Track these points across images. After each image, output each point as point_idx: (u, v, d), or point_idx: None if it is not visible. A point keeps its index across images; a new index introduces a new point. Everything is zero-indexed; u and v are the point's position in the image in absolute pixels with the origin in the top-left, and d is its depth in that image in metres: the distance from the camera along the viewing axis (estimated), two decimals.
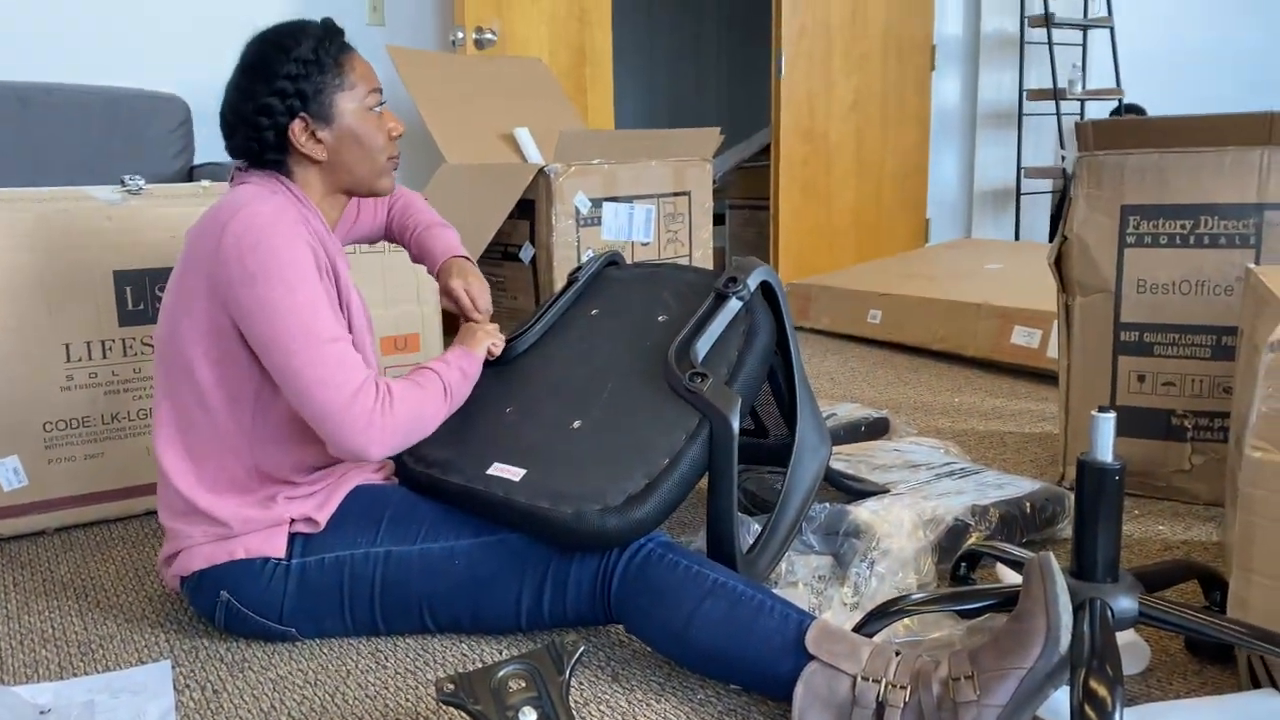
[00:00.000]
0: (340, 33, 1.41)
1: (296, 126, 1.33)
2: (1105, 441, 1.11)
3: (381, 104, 1.41)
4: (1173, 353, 1.79)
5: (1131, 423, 1.84)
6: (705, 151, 3.11)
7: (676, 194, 3.04)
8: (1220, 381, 1.76)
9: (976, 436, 2.34)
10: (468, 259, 1.58)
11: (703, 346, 1.38)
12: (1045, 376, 2.81)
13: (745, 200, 5.35)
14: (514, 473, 1.31)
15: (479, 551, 1.31)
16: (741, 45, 8.25)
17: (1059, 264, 1.90)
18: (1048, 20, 4.57)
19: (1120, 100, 4.89)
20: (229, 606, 1.35)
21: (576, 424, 1.36)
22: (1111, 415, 1.11)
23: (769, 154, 4.57)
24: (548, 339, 1.57)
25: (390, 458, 1.37)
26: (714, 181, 5.46)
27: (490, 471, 1.33)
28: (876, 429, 2.25)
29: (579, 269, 1.67)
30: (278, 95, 1.31)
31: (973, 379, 2.92)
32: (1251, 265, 1.56)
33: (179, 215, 1.90)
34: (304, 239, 1.28)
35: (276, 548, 1.33)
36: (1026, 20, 4.78)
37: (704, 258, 3.20)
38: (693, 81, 8.15)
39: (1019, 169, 4.95)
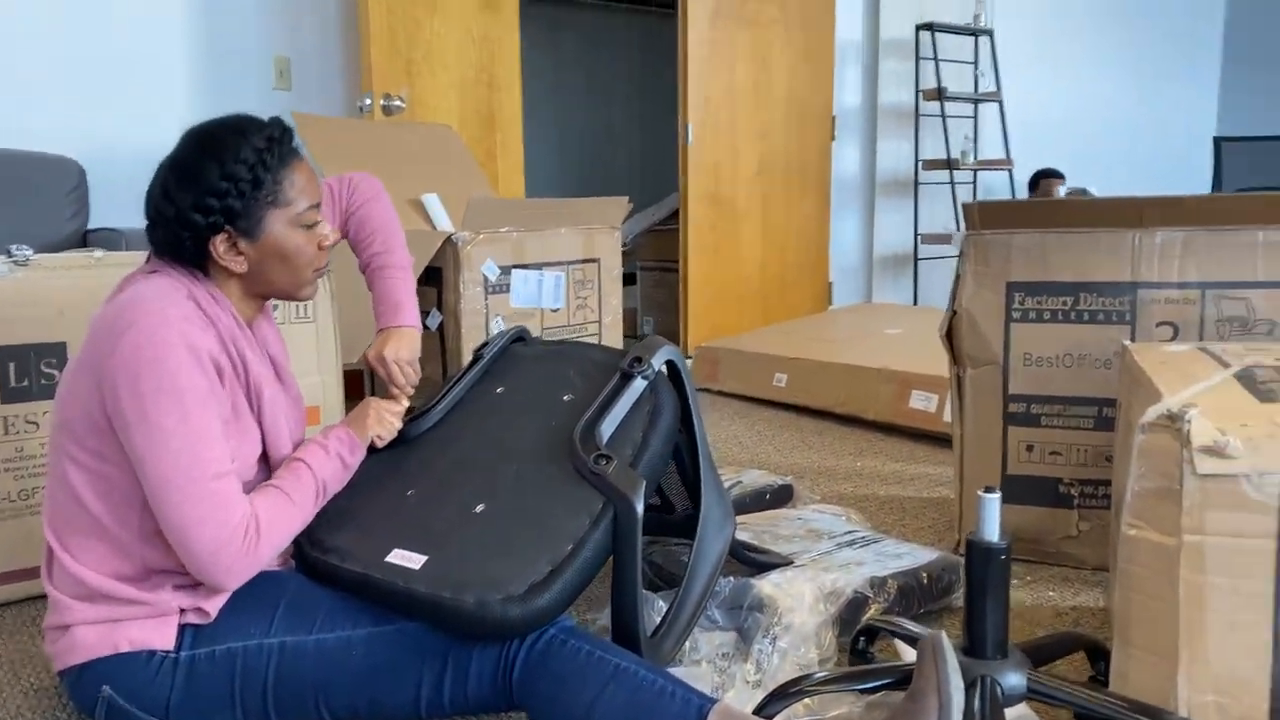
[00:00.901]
0: (288, 137, 1.34)
1: (218, 240, 1.29)
2: (992, 521, 1.15)
3: (318, 220, 1.38)
4: (1058, 423, 1.87)
5: (1022, 491, 1.91)
6: (614, 219, 3.16)
7: (586, 261, 3.07)
8: (1103, 451, 1.84)
9: (877, 502, 2.39)
10: (410, 326, 1.57)
11: (607, 428, 1.39)
12: (943, 440, 2.89)
13: (656, 262, 5.42)
14: (414, 560, 1.29)
15: (377, 641, 1.28)
16: (652, 110, 8.43)
17: (950, 337, 1.98)
18: (940, 94, 4.80)
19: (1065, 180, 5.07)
20: (111, 703, 1.29)
21: (480, 508, 1.35)
22: (997, 495, 1.15)
23: (679, 218, 4.66)
24: (452, 418, 1.56)
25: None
26: (625, 244, 5.54)
27: (389, 559, 1.31)
28: (781, 497, 2.28)
29: (484, 345, 1.67)
30: (201, 211, 1.27)
31: (874, 442, 2.99)
32: (1127, 342, 1.65)
33: (67, 287, 1.84)
34: (205, 356, 1.25)
35: (165, 639, 1.28)
36: (921, 94, 5.01)
37: (614, 323, 3.23)
38: (605, 146, 8.27)
39: (916, 235, 5.14)
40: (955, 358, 1.98)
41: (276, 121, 1.35)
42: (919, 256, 5.23)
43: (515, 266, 2.84)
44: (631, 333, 5.58)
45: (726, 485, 2.29)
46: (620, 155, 8.37)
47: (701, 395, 3.78)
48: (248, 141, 1.29)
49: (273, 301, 1.46)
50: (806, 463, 2.78)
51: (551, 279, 2.95)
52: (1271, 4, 6.47)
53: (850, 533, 1.92)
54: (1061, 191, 4.46)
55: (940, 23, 4.91)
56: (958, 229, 4.83)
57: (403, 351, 1.54)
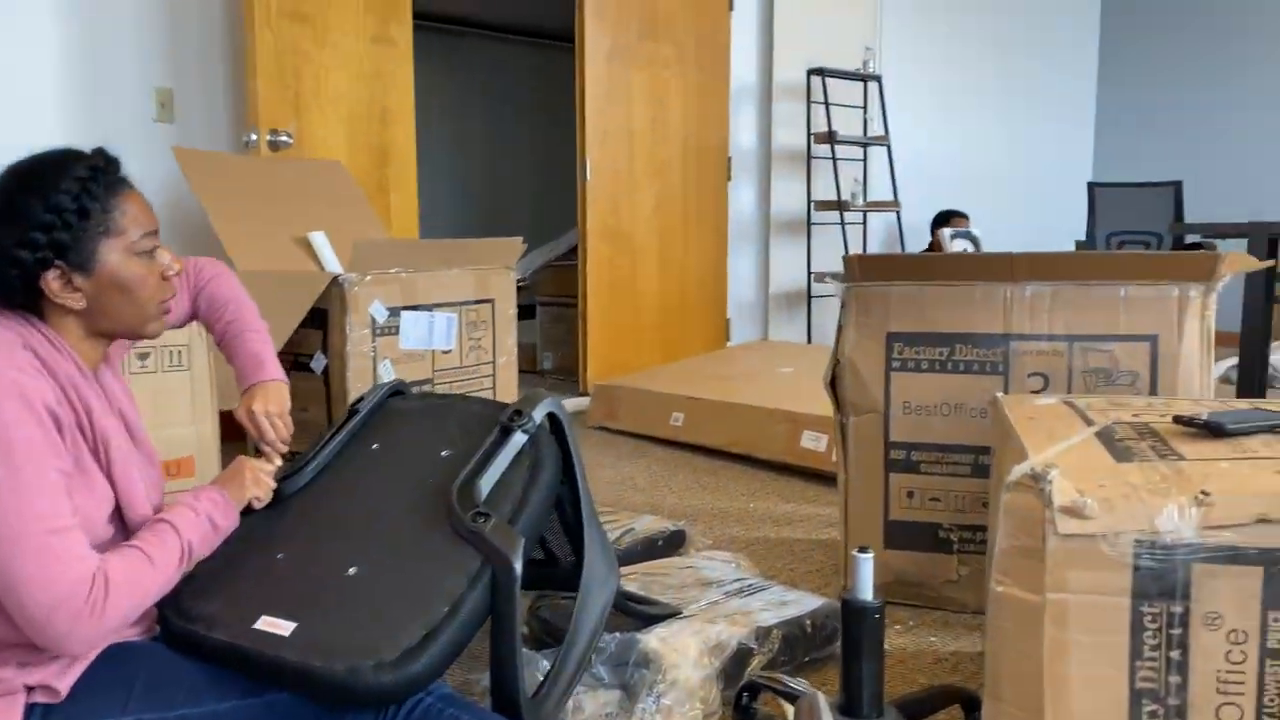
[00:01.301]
0: (114, 166, 1.29)
1: (50, 277, 1.23)
2: (865, 581, 1.17)
3: (155, 246, 1.33)
4: (937, 470, 1.92)
5: (904, 536, 1.95)
6: (508, 259, 3.14)
7: (479, 301, 3.04)
8: (980, 496, 1.89)
9: (767, 545, 2.41)
10: (277, 380, 1.52)
11: (486, 484, 1.36)
12: (833, 479, 2.92)
13: (555, 298, 5.41)
14: (284, 626, 1.24)
15: (244, 714, 1.22)
16: (554, 143, 8.44)
17: (834, 385, 2.01)
18: (831, 138, 4.92)
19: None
20: None
21: (352, 570, 1.31)
22: (870, 555, 1.17)
23: (578, 253, 4.66)
24: (325, 476, 1.51)
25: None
26: (524, 279, 5.52)
27: (258, 626, 1.25)
28: (673, 543, 2.28)
29: (360, 399, 1.62)
30: (28, 247, 1.20)
31: (767, 482, 3.02)
32: (998, 394, 1.70)
33: None
34: (40, 407, 1.18)
35: None
36: (812, 136, 5.13)
37: (509, 364, 3.20)
38: (507, 178, 8.25)
39: (809, 274, 5.25)
40: (839, 405, 2.01)
41: (100, 151, 1.30)
42: (812, 294, 5.34)
43: (405, 308, 2.79)
44: (531, 368, 5.55)
45: (619, 532, 2.28)
46: (522, 188, 8.36)
47: (599, 434, 3.77)
48: (69, 172, 1.23)
49: (126, 354, 1.40)
50: (701, 504, 2.79)
51: (443, 320, 2.90)
52: (1137, 61, 6.85)
53: (739, 580, 1.92)
54: (950, 244, 4.62)
55: (830, 68, 5.05)
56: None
57: (271, 405, 1.49)
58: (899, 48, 5.77)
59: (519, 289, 5.48)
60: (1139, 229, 4.99)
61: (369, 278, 2.69)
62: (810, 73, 5.09)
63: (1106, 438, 1.28)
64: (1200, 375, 1.77)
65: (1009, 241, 6.03)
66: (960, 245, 4.80)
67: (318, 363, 2.73)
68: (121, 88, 3.31)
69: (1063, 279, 1.84)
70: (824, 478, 2.99)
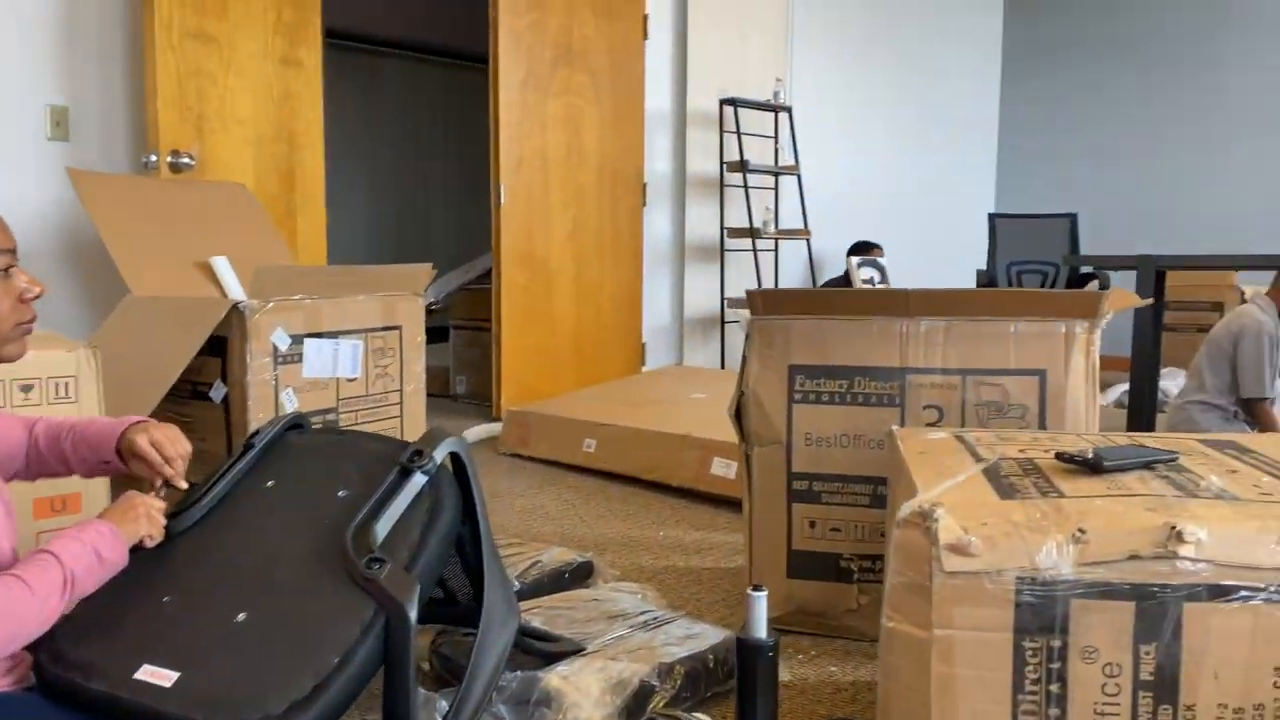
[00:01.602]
0: None
1: None
2: (759, 619, 1.18)
3: (11, 266, 1.29)
4: (838, 500, 1.95)
5: (806, 566, 1.98)
6: (417, 286, 3.10)
7: (386, 329, 2.99)
8: (879, 527, 1.93)
9: (676, 574, 2.42)
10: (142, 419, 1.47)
11: (382, 528, 1.34)
12: (741, 506, 2.98)
13: (469, 321, 5.37)
14: (166, 676, 1.20)
15: None
16: (472, 164, 8.39)
17: (738, 416, 2.03)
18: (743, 166, 5.00)
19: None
20: None
21: (241, 617, 1.27)
22: (763, 594, 1.18)
23: (492, 277, 4.64)
24: (217, 514, 1.46)
25: (29, 649, 1.22)
26: (437, 302, 5.46)
27: (139, 676, 1.21)
28: (580, 574, 2.27)
29: (256, 433, 1.58)
30: None
31: (678, 509, 3.04)
32: (894, 427, 1.74)
33: None
34: None
35: None
36: (725, 165, 5.21)
37: (416, 392, 3.16)
38: (423, 200, 8.18)
39: (723, 299, 5.31)
40: (744, 436, 2.03)
41: None
42: (726, 320, 5.40)
43: (309, 335, 2.74)
44: (444, 392, 5.49)
45: (526, 565, 2.26)
46: (440, 209, 8.30)
47: (511, 461, 3.74)
48: None
49: None
50: (611, 533, 2.79)
51: (348, 347, 2.85)
52: (1036, 100, 7.13)
53: (645, 613, 1.92)
54: (859, 277, 4.72)
55: (742, 98, 5.14)
56: None
57: (154, 431, 1.44)
58: (809, 80, 5.90)
59: (432, 312, 5.44)
60: (1037, 259, 5.18)
61: (271, 304, 2.63)
62: (723, 102, 5.17)
63: (992, 474, 1.32)
64: (1086, 408, 1.84)
65: (915, 268, 6.21)
66: (868, 273, 4.91)
67: (217, 392, 2.65)
68: (11, 103, 3.19)
69: (956, 315, 1.90)
70: (734, 504, 3.01)
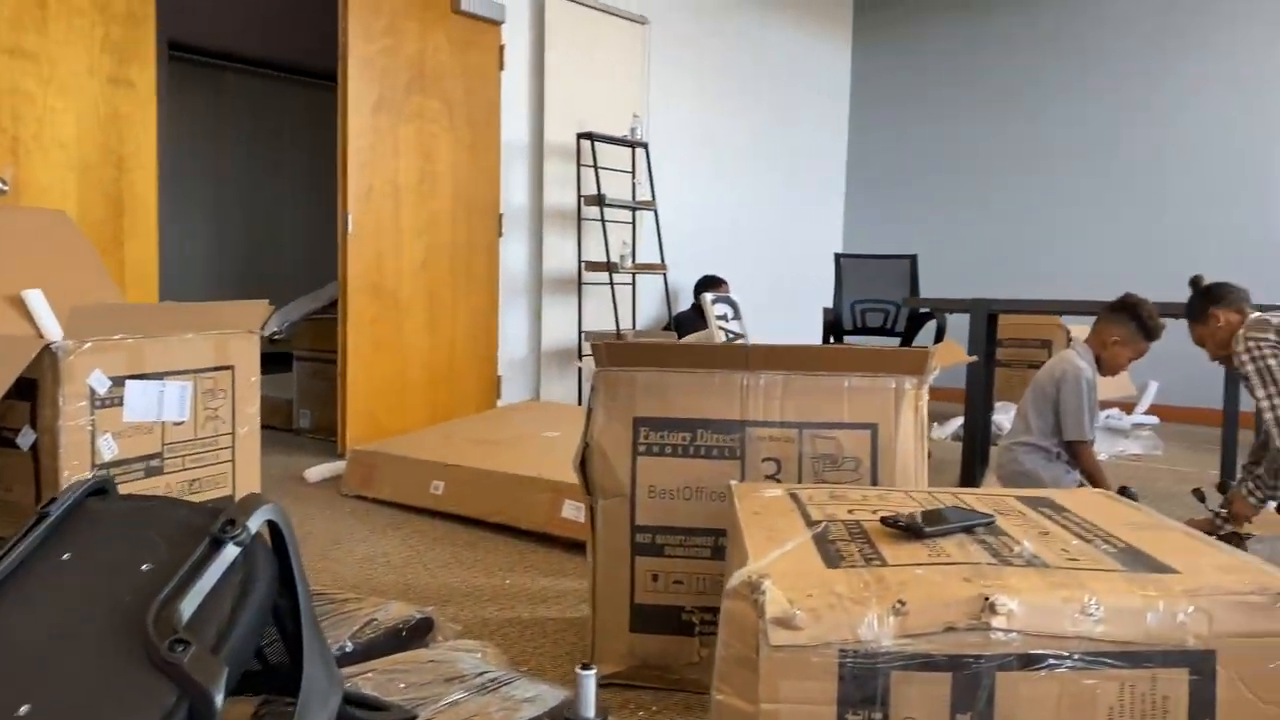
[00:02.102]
0: None
1: None
2: (588, 698, 1.15)
3: None
4: (680, 553, 1.95)
5: (649, 620, 1.96)
6: (252, 323, 2.96)
7: (218, 369, 2.84)
8: (720, 579, 1.93)
9: (520, 627, 2.37)
10: None
11: (189, 606, 1.25)
12: None
13: (314, 352, 5.17)
14: None
15: None
16: (324, 187, 8.14)
17: (584, 468, 2.01)
18: (600, 200, 5.02)
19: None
20: None
21: (24, 709, 1.16)
22: (591, 673, 1.15)
23: (339, 309, 4.49)
24: (4, 591, 1.34)
25: None
26: (280, 332, 5.24)
27: None
28: (419, 631, 2.19)
29: (52, 501, 1.46)
30: None
31: (526, 554, 2.99)
32: (732, 483, 1.75)
33: None
34: None
35: None
36: (583, 199, 5.21)
37: (250, 434, 3.00)
38: (272, 224, 7.88)
39: (580, 333, 5.30)
40: (589, 488, 2.01)
41: None
42: (583, 353, 5.39)
43: (131, 377, 2.57)
44: (286, 426, 5.27)
45: (362, 623, 2.17)
46: (288, 232, 8.01)
47: (355, 504, 3.61)
48: None
49: None
50: (456, 582, 2.71)
51: (175, 389, 2.69)
52: (881, 145, 7.46)
53: (483, 674, 1.86)
54: (713, 314, 4.77)
55: (599, 133, 5.16)
56: (616, 329, 5.04)
57: None
58: (666, 116, 5.99)
59: (274, 341, 5.23)
60: (879, 298, 5.38)
61: (88, 345, 2.46)
62: (580, 136, 5.18)
63: (821, 540, 1.34)
64: (915, 462, 1.90)
65: (767, 305, 6.36)
66: (721, 309, 4.99)
67: (24, 438, 2.45)
68: None
69: (793, 369, 1.93)
70: (585, 548, 2.98)
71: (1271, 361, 2.73)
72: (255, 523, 1.36)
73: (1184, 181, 6.22)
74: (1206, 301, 3.03)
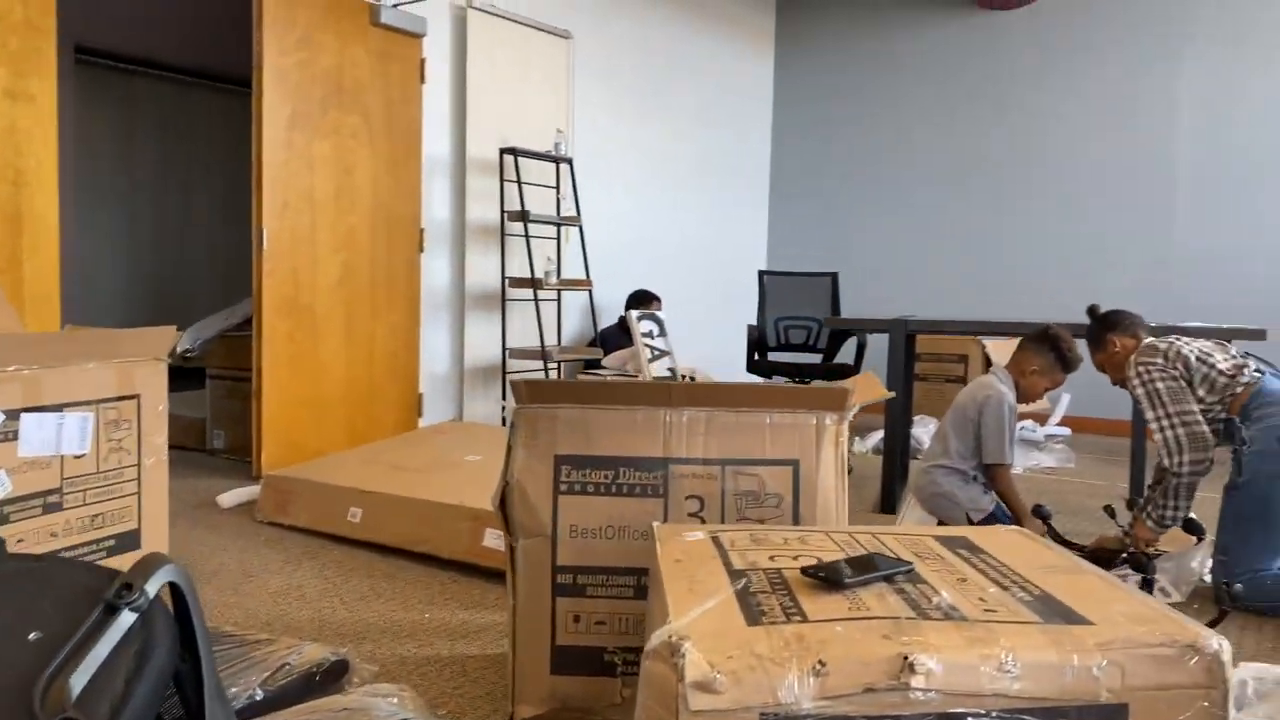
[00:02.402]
0: None
1: None
2: None
3: None
4: (603, 593, 1.93)
5: (571, 661, 1.93)
6: (159, 350, 2.85)
7: (122, 398, 2.72)
8: (643, 619, 1.91)
9: (439, 665, 2.31)
10: None
11: (80, 679, 1.18)
12: None
13: (228, 370, 5.02)
14: None
15: None
16: (241, 199, 7.93)
17: (503, 507, 1.97)
18: (524, 216, 4.97)
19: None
20: None
21: None
22: None
23: (253, 326, 4.36)
24: None
25: None
26: (193, 350, 5.07)
27: None
28: (334, 674, 2.12)
29: None
30: None
31: (448, 585, 2.93)
32: (655, 524, 1.73)
33: None
34: None
35: None
36: (506, 214, 5.16)
37: (157, 465, 2.89)
38: (185, 237, 7.63)
39: (504, 349, 5.24)
40: (508, 528, 1.97)
41: None
42: (507, 370, 5.33)
43: (27, 410, 2.44)
44: (200, 446, 5.10)
45: (275, 668, 2.09)
46: (202, 244, 7.77)
47: (270, 531, 3.50)
48: None
49: None
50: (374, 617, 2.64)
51: (75, 421, 2.57)
52: (803, 164, 7.55)
53: None
54: (638, 330, 4.77)
55: (523, 148, 5.12)
56: (541, 345, 4.99)
57: None
58: (591, 131, 5.97)
59: (186, 359, 5.06)
60: (802, 314, 5.44)
61: None
62: (503, 151, 5.13)
63: (743, 595, 1.33)
64: (835, 498, 1.90)
65: (693, 322, 6.37)
66: (646, 326, 4.98)
67: None
68: None
69: (716, 405, 1.92)
70: (507, 578, 2.94)
71: (1159, 385, 2.82)
72: (154, 586, 1.29)
73: (1098, 196, 6.42)
74: (1103, 328, 3.13)
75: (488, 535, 3.01)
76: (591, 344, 5.67)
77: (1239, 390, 2.74)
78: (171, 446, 5.12)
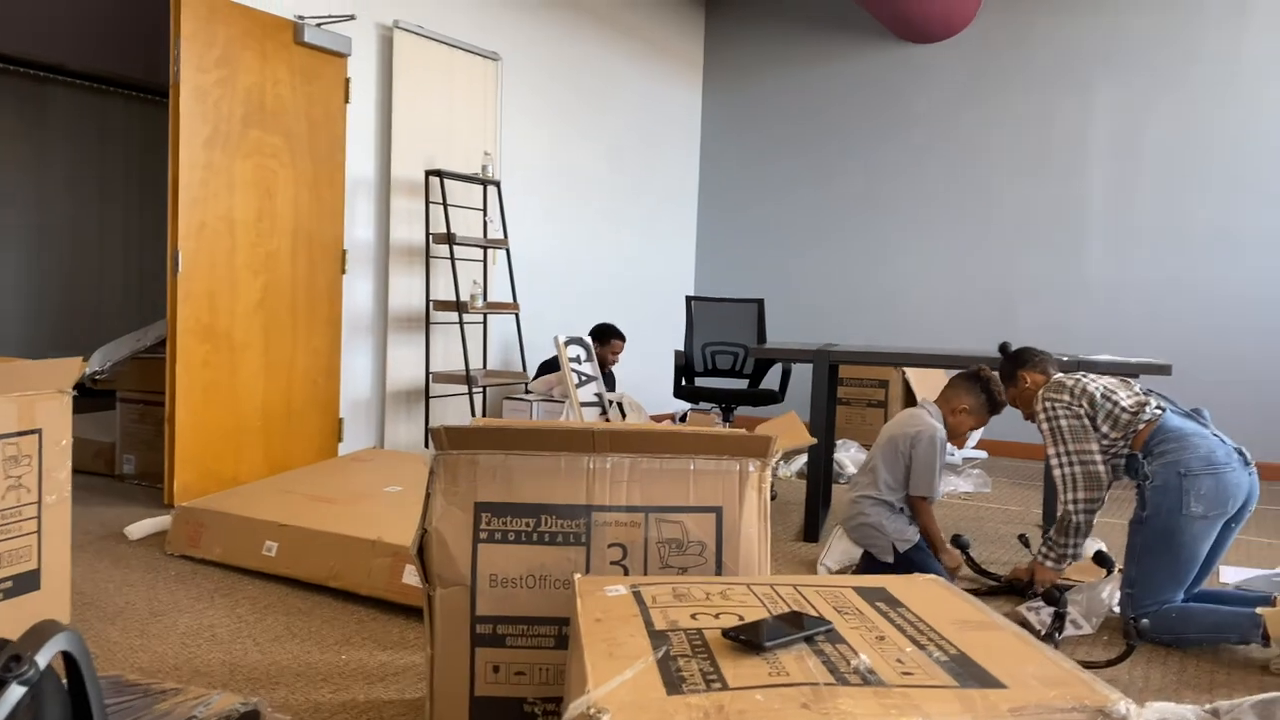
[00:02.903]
0: None
1: None
2: None
3: None
4: (523, 643, 1.90)
5: (489, 712, 1.90)
6: (64, 382, 2.73)
7: (22, 433, 2.61)
8: (564, 669, 1.89)
9: (356, 711, 2.25)
10: None
11: None
12: None
13: (140, 393, 4.85)
14: None
15: None
16: (158, 213, 7.70)
17: (421, 555, 1.93)
18: (450, 239, 4.91)
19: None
20: None
21: None
22: None
23: (167, 351, 4.23)
24: None
25: None
26: (103, 372, 4.90)
27: None
28: None
29: None
30: None
31: (366, 623, 2.86)
32: (577, 577, 1.71)
33: None
34: None
35: None
36: (431, 236, 5.10)
37: (59, 503, 2.77)
38: (97, 253, 7.37)
39: (428, 373, 5.16)
40: (426, 576, 1.93)
41: None
42: (430, 394, 5.26)
43: None
44: (109, 472, 4.92)
45: (189, 715, 2.01)
46: (118, 260, 7.52)
47: (181, 565, 3.38)
48: None
49: None
50: (287, 659, 2.57)
51: None
52: (729, 191, 7.62)
53: None
54: (566, 355, 4.74)
55: (449, 170, 5.06)
56: (466, 369, 4.93)
57: None
58: (519, 153, 5.94)
59: (95, 381, 4.88)
60: (729, 340, 5.47)
61: None
62: (429, 173, 5.07)
63: (664, 661, 1.31)
64: (759, 546, 1.91)
65: (625, 345, 6.35)
66: (574, 351, 4.96)
67: None
68: None
69: (640, 452, 1.91)
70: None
71: (1062, 422, 2.90)
72: (45, 656, 1.23)
73: (1015, 228, 6.60)
74: (1014, 365, 3.22)
75: (407, 572, 2.95)
76: (546, 365, 5.61)
77: (1141, 426, 2.83)
78: (79, 471, 4.97)
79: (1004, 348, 3.36)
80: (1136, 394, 2.93)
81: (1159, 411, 2.85)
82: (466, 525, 1.90)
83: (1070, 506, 2.87)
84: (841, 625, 1.45)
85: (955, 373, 3.49)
